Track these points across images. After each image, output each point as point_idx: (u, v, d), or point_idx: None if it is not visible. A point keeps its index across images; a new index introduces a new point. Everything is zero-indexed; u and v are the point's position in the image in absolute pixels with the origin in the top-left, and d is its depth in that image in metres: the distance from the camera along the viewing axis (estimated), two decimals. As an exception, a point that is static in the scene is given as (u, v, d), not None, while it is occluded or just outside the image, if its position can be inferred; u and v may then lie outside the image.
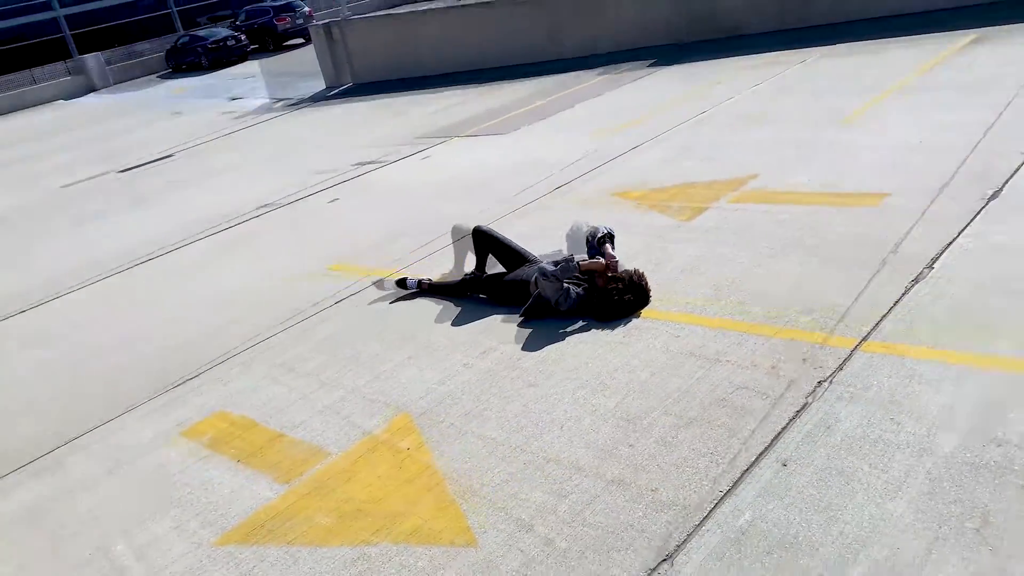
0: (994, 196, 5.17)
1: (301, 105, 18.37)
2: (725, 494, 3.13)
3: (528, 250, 5.40)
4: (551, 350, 4.54)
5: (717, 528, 2.97)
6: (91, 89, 31.50)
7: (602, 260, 4.79)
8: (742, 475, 3.21)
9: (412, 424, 4.13)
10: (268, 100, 20.25)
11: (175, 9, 41.45)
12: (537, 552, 3.07)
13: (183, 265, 7.84)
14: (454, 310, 5.39)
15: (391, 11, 25.56)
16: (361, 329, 5.44)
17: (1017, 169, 5.49)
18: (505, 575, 2.99)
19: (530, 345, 4.66)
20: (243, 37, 29.71)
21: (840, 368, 3.75)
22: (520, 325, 4.92)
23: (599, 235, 4.92)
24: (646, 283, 4.76)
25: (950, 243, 4.68)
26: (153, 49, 33.79)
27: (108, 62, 32.09)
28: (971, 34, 9.84)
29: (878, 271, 4.55)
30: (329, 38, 19.76)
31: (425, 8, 21.65)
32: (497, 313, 5.17)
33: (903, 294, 4.26)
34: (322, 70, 20.40)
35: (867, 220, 5.27)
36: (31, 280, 8.29)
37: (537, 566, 3.00)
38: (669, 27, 14.32)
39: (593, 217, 6.31)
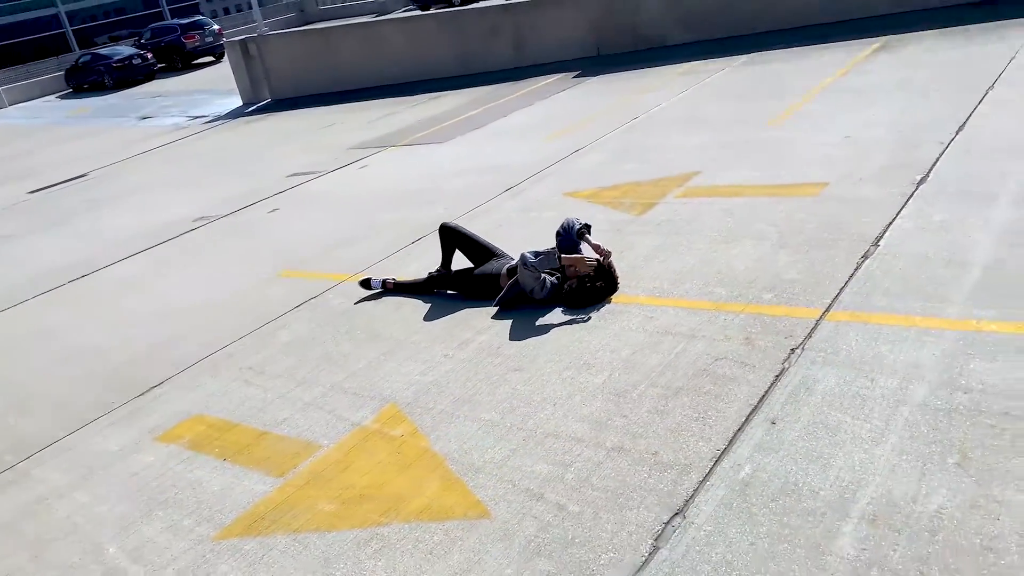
0: (922, 181, 5.60)
1: (219, 122, 18.01)
2: (723, 452, 3.32)
3: (495, 245, 5.51)
4: (530, 337, 4.66)
5: (721, 482, 3.15)
6: (-16, 111, 29.93)
7: (583, 256, 4.88)
8: (735, 434, 3.41)
9: (401, 413, 4.18)
10: (183, 119, 19.73)
11: (70, 29, 39.93)
12: (551, 517, 3.17)
13: (122, 281, 7.61)
14: (423, 307, 5.45)
15: (310, 27, 25.33)
16: (328, 330, 5.43)
17: (939, 157, 5.96)
18: (524, 540, 3.08)
19: (508, 334, 4.77)
20: (149, 56, 28.85)
21: (809, 336, 4.02)
22: (494, 316, 5.03)
23: (577, 227, 5.07)
24: (614, 270, 4.95)
25: (890, 223, 5.06)
26: (50, 68, 32.37)
27: (2, 83, 30.57)
28: (876, 42, 10.56)
29: (829, 251, 4.87)
30: (245, 54, 19.45)
31: (345, 23, 21.59)
32: (468, 307, 5.26)
33: (855, 270, 4.58)
34: (238, 87, 20.05)
35: (810, 207, 5.62)
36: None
37: (553, 529, 3.10)
38: (593, 39, 14.76)
39: (552, 215, 6.50)
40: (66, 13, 40.71)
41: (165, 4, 46.18)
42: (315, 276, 6.53)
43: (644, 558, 2.86)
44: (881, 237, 4.90)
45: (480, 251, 5.45)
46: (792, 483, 3.06)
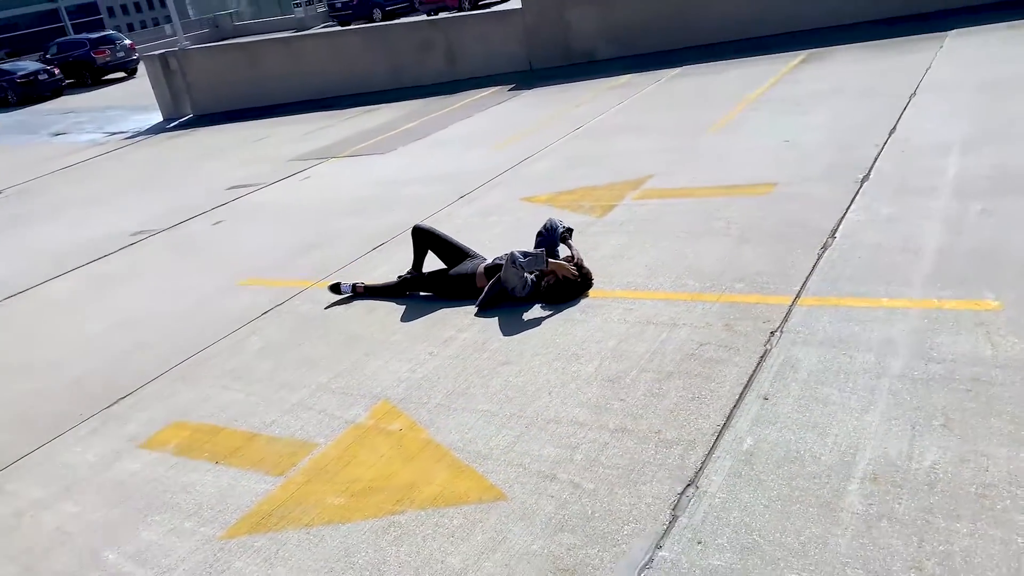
0: (865, 179, 5.99)
1: (140, 138, 17.50)
2: (723, 427, 3.49)
3: (468, 245, 5.60)
4: (514, 332, 4.76)
5: (726, 454, 3.32)
6: None
7: (569, 266, 5.00)
8: (732, 411, 3.59)
9: (396, 409, 4.21)
10: (100, 135, 19.06)
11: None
12: (568, 495, 3.27)
13: (64, 296, 7.34)
14: (398, 308, 5.49)
15: (234, 41, 24.84)
16: (302, 334, 5.40)
17: (877, 156, 6.39)
18: (545, 517, 3.17)
19: (491, 330, 4.86)
20: (56, 71, 27.72)
21: (785, 320, 4.26)
22: (475, 315, 5.11)
23: (560, 229, 5.22)
24: (588, 271, 5.11)
25: (842, 217, 5.39)
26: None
27: None
28: (798, 56, 11.17)
29: (789, 244, 5.16)
30: (166, 69, 18.98)
31: (270, 38, 21.29)
32: (445, 307, 5.32)
33: (817, 260, 4.87)
34: (159, 102, 19.53)
35: (764, 205, 5.93)
36: None
37: (572, 506, 3.21)
38: (525, 54, 15.04)
39: (511, 220, 6.63)
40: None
41: (67, 20, 44.47)
42: (277, 284, 6.46)
43: (665, 526, 3.00)
44: (836, 230, 5.22)
45: (454, 252, 5.52)
46: (794, 451, 3.25)
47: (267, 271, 6.85)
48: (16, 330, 6.68)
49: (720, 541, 2.87)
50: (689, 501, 3.10)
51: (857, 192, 5.77)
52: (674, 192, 6.65)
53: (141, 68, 27.84)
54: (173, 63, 18.86)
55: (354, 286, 5.80)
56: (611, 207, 6.59)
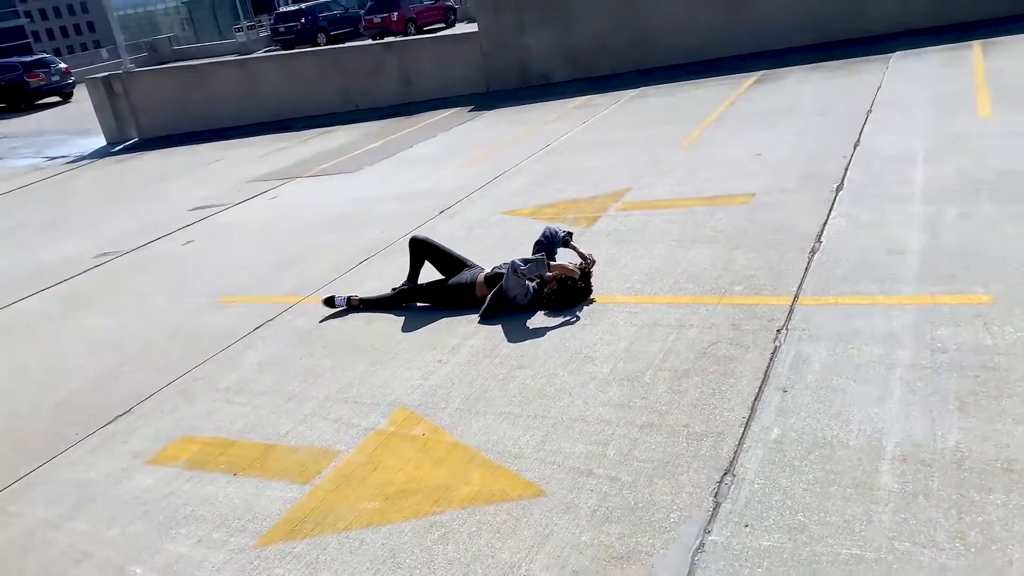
0: (840, 188, 6.26)
1: (84, 162, 17.02)
2: (748, 419, 3.61)
3: (464, 256, 5.65)
4: (522, 338, 4.83)
5: (757, 444, 3.44)
6: None
7: (569, 265, 5.09)
8: (754, 403, 3.72)
9: (415, 415, 4.21)
10: (39, 159, 18.46)
11: None
12: (608, 488, 3.34)
13: (34, 319, 7.11)
14: (397, 320, 5.49)
15: (182, 63, 24.43)
16: (301, 348, 5.36)
17: (847, 167, 6.69)
18: (589, 510, 3.22)
19: (497, 337, 4.91)
20: (-13, 95, 26.80)
21: (789, 318, 4.43)
22: (478, 323, 5.15)
23: (561, 235, 5.32)
24: (591, 266, 5.22)
25: (825, 223, 5.63)
26: None
27: None
28: (753, 76, 11.60)
29: (778, 248, 5.37)
30: (109, 92, 18.56)
31: (218, 60, 21.01)
32: (445, 316, 5.35)
33: (808, 263, 5.07)
34: (102, 126, 19.04)
35: (747, 214, 6.14)
36: None
37: (614, 498, 3.27)
38: (482, 76, 15.22)
39: (498, 232, 6.71)
40: None
41: (-6, 43, 43.01)
42: (263, 300, 6.39)
43: (710, 512, 3.09)
44: (821, 235, 5.45)
45: (451, 262, 5.56)
46: (821, 438, 3.39)
47: (250, 288, 6.77)
48: (-14, 353, 6.43)
49: (767, 523, 2.97)
50: (729, 488, 3.20)
51: (834, 200, 6.03)
52: (656, 204, 6.83)
53: (78, 92, 27.22)
54: (118, 86, 18.45)
55: (348, 299, 5.78)
56: (596, 218, 6.73)
